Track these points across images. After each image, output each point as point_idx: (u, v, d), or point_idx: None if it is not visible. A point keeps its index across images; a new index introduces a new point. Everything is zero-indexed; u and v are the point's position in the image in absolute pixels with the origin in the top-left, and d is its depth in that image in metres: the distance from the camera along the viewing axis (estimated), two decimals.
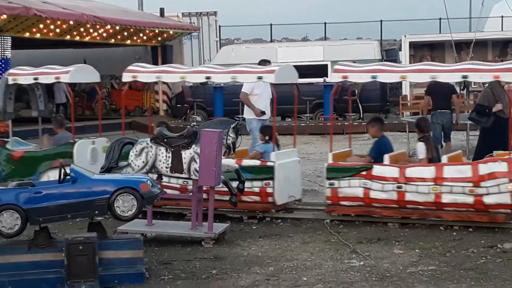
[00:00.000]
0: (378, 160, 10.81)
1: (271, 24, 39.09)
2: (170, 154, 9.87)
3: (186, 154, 9.79)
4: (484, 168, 10.05)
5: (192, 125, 10.55)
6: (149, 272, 8.34)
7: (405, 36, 28.96)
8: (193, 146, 9.78)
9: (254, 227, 10.80)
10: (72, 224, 10.55)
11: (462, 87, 25.07)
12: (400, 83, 26.27)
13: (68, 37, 26.40)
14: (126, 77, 11.91)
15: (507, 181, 9.91)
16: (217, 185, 9.74)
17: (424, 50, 29.45)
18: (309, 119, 26.18)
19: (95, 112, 30.58)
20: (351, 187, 10.66)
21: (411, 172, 10.39)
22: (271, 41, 37.96)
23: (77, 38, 26.81)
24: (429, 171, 10.32)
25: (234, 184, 10.05)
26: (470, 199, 10.10)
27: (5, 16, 22.48)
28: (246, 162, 11.03)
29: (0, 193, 7.98)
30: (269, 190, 10.87)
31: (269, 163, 10.90)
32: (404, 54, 28.54)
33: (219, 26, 34.18)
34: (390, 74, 10.74)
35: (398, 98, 26.86)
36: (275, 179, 10.84)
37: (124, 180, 8.20)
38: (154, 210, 10.28)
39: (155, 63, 28.16)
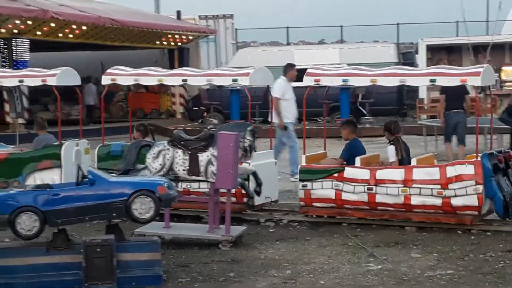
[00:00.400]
0: (351, 162, 10.96)
1: (287, 27, 39.09)
2: (187, 157, 9.88)
3: (203, 157, 9.80)
4: (452, 170, 10.18)
5: (208, 127, 10.53)
6: (167, 275, 8.35)
7: (422, 39, 28.87)
8: (210, 148, 9.78)
9: (271, 230, 10.78)
10: (89, 226, 10.57)
11: (479, 91, 24.95)
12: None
13: (87, 39, 26.50)
14: (106, 80, 12.15)
15: (474, 184, 10.02)
16: (234, 188, 9.73)
17: (442, 53, 29.34)
18: (327, 122, 26.11)
19: (112, 115, 30.68)
20: (324, 189, 10.82)
21: (381, 174, 10.54)
22: (288, 44, 37.95)
23: (95, 41, 26.90)
24: (398, 173, 10.47)
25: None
26: (438, 201, 10.25)
27: (23, 18, 22.60)
28: None
29: (19, 195, 8.00)
30: (244, 191, 10.82)
31: (244, 165, 10.83)
32: (421, 57, 28.46)
33: (236, 29, 34.23)
34: (361, 78, 10.90)
35: (415, 101, 26.77)
36: (249, 181, 10.77)
37: (141, 182, 8.21)
38: (171, 212, 10.29)
39: (171, 66, 28.26)
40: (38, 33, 24.40)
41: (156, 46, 29.99)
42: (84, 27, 25.36)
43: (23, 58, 23.40)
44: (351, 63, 23.54)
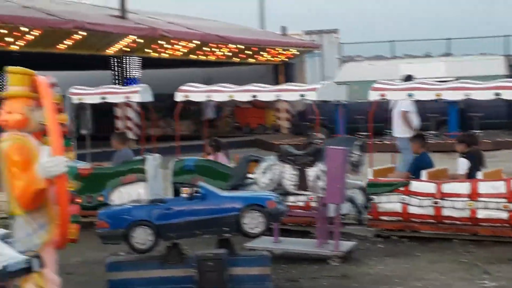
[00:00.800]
0: (417, 176, 10.96)
1: (392, 41, 38.80)
2: (295, 172, 9.93)
3: (311, 172, 9.84)
4: None
5: (314, 141, 10.60)
6: None
7: None
8: (318, 163, 9.81)
9: (380, 246, 10.71)
10: (199, 240, 10.72)
11: None
12: None
13: (193, 56, 26.96)
14: (179, 97, 12.34)
15: None
16: (343, 203, 9.73)
17: None
18: (434, 136, 25.75)
19: (218, 129, 31.09)
20: (390, 202, 10.83)
21: (447, 188, 10.52)
22: (393, 57, 37.64)
23: (202, 57, 27.34)
24: (464, 187, 10.42)
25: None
26: (504, 215, 10.18)
27: (133, 37, 23.19)
28: None
29: (133, 210, 8.21)
30: (313, 203, 10.75)
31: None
32: None
33: (340, 44, 34.19)
34: (426, 92, 10.91)
35: None
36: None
37: (251, 197, 8.31)
38: (279, 226, 10.35)
39: (276, 81, 28.45)
40: (148, 50, 24.98)
41: (261, 61, 30.25)
42: (191, 44, 25.81)
43: (135, 76, 24.00)
44: (458, 76, 23.19)
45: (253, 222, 8.05)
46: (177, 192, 11.98)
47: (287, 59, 30.51)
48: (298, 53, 30.45)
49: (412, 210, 10.73)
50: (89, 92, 12.93)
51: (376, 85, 11.26)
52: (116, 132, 12.82)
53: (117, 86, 13.61)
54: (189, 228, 8.12)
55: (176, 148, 12.87)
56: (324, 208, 9.89)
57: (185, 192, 9.52)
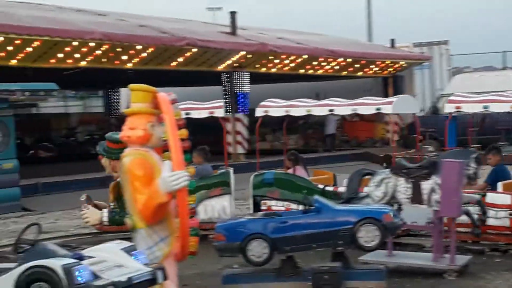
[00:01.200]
0: (494, 188, 10.82)
1: (504, 51, 37.94)
2: (409, 185, 9.86)
3: (426, 185, 9.75)
4: None
5: (430, 154, 10.58)
6: None
7: None
8: (433, 176, 9.72)
9: (497, 260, 10.49)
10: (311, 254, 10.75)
11: None
12: None
13: (302, 71, 27.09)
14: (259, 112, 12.74)
15: None
16: (459, 216, 9.60)
17: None
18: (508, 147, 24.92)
19: (326, 143, 31.08)
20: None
21: None
22: (503, 68, 36.81)
23: (311, 71, 27.44)
24: None
25: None
26: None
27: (244, 52, 23.49)
28: None
29: (249, 223, 8.34)
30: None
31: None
32: None
33: (450, 55, 33.69)
34: (501, 104, 10.98)
35: None
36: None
37: (367, 210, 8.30)
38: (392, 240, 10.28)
39: (385, 94, 28.27)
40: (257, 65, 25.23)
41: (370, 74, 30.12)
42: (300, 59, 25.94)
43: (244, 90, 24.28)
44: None
45: (368, 235, 8.04)
46: (256, 205, 12.25)
47: (395, 72, 30.28)
48: (406, 65, 30.17)
49: (488, 221, 10.51)
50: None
51: (452, 98, 11.28)
52: (199, 148, 13.05)
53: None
54: (304, 241, 8.18)
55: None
56: (439, 222, 9.78)
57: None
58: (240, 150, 24.59)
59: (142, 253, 5.96)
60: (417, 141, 14.26)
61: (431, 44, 32.25)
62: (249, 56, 24.02)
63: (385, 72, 30.06)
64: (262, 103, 12.89)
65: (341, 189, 11.59)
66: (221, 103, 13.26)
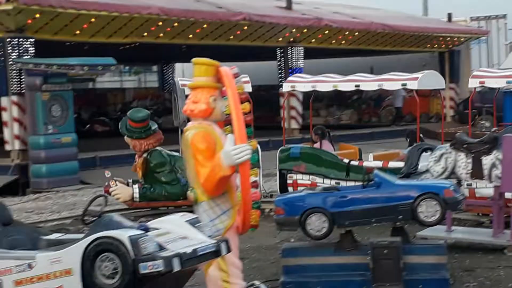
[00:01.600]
0: None
1: None
2: (470, 160, 9.78)
3: (486, 160, 9.66)
4: None
5: (482, 130, 10.50)
6: (452, 279, 8.29)
7: None
8: (494, 151, 9.62)
9: None
10: (368, 228, 10.73)
11: None
12: None
13: (357, 46, 26.92)
14: (286, 87, 12.89)
15: None
16: None
17: None
18: None
19: (381, 119, 30.92)
20: (488, 188, 10.22)
21: None
22: None
23: (366, 46, 27.25)
24: None
25: None
26: None
27: (299, 27, 23.43)
28: None
29: (308, 197, 8.34)
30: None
31: None
32: None
33: (508, 30, 33.10)
34: None
35: None
36: None
37: (427, 185, 8.23)
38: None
39: (442, 69, 27.95)
40: (312, 40, 25.14)
41: (425, 49, 29.79)
42: (356, 34, 25.76)
43: (298, 66, 24.23)
44: None
45: (429, 210, 7.97)
46: (283, 178, 12.34)
47: (452, 47, 29.90)
48: (463, 40, 29.76)
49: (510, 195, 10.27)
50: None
51: (475, 73, 11.15)
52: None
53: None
54: (364, 216, 8.14)
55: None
56: (500, 197, 9.68)
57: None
58: (294, 125, 24.59)
59: (206, 225, 6.02)
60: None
61: (488, 18, 31.73)
62: (304, 31, 23.94)
63: (442, 46, 29.70)
64: (289, 78, 12.98)
65: (366, 163, 11.69)
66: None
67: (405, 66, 27.01)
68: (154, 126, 11.13)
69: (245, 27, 22.36)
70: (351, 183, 10.98)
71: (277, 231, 9.42)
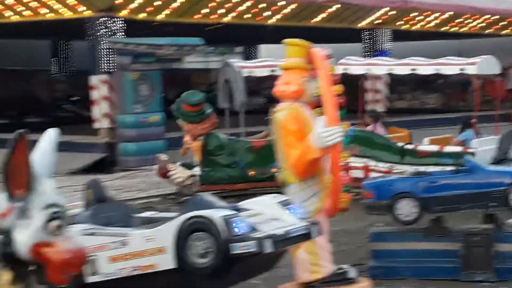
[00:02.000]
0: None
1: None
2: None
3: None
4: None
5: None
6: None
7: None
8: None
9: None
10: (457, 215, 10.53)
11: None
12: None
13: (445, 28, 26.46)
14: (338, 70, 12.53)
15: None
16: None
17: None
18: None
19: (468, 103, 30.28)
20: None
21: None
22: None
23: (454, 29, 26.75)
24: None
25: None
26: None
27: (386, 9, 23.16)
28: None
29: (398, 182, 8.25)
30: None
31: None
32: None
33: None
34: None
35: None
36: None
37: None
38: None
39: None
40: (399, 23, 24.80)
41: None
42: (444, 16, 25.30)
43: (385, 48, 23.95)
44: None
45: None
46: None
47: None
48: None
49: None
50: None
51: None
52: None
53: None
54: (455, 202, 8.01)
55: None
56: None
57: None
58: (379, 108, 24.33)
59: (297, 207, 5.99)
60: None
61: None
62: (391, 13, 23.62)
63: None
64: (341, 60, 12.79)
65: (421, 147, 11.61)
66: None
67: (494, 50, 26.41)
68: (209, 110, 11.05)
69: (331, 9, 22.18)
70: (406, 167, 10.92)
71: (364, 215, 9.34)
